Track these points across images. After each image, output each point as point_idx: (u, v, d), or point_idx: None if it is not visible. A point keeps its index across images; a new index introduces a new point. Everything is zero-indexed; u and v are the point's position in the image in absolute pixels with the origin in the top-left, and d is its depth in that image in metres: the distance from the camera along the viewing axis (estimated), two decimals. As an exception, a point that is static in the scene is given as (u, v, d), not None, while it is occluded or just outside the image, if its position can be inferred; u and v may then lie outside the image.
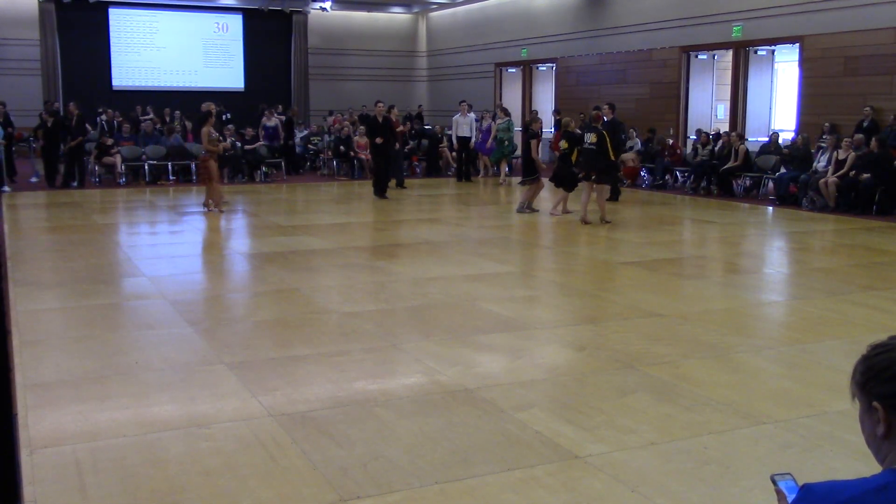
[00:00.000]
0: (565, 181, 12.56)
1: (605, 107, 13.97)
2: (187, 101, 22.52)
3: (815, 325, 6.56)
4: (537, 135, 13.51)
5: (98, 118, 19.21)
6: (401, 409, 4.56)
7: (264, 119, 19.39)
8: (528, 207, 13.06)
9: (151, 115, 20.25)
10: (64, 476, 3.73)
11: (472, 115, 18.64)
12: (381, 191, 14.73)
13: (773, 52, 17.62)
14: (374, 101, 15.31)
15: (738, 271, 9.17)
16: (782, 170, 14.59)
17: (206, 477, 3.72)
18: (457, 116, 18.47)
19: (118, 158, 17.14)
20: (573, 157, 12.37)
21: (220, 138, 14.31)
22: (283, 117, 20.01)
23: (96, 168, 17.40)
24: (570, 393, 4.88)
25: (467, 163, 18.53)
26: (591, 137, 11.87)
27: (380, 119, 14.18)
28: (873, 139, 13.17)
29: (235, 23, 26.22)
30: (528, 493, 3.59)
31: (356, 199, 15.76)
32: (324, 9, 25.92)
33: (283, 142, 19.40)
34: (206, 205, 13.07)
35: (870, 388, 1.43)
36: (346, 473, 3.74)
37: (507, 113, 18.26)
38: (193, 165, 17.40)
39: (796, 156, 14.51)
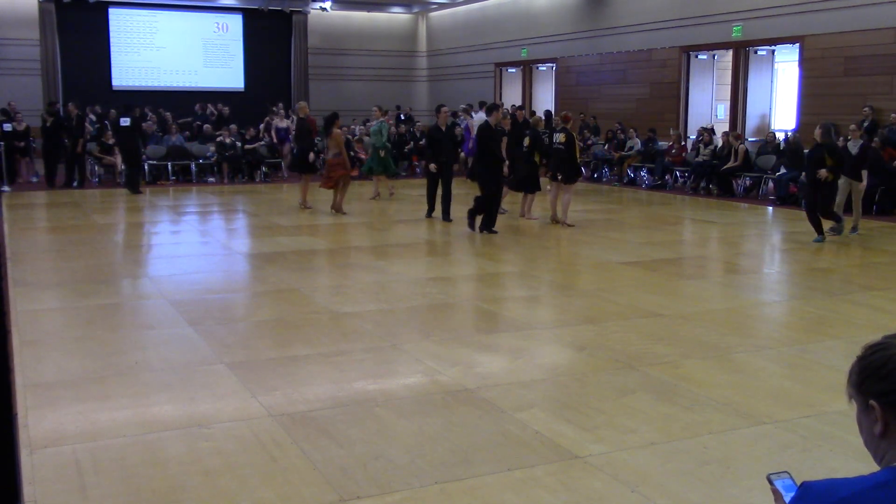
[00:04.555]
0: (530, 184, 12.27)
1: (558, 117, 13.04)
2: (187, 101, 22.53)
3: (815, 325, 6.57)
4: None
5: (104, 120, 19.22)
6: (401, 409, 4.56)
7: (276, 120, 19.16)
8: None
9: (151, 117, 20.17)
10: (64, 476, 3.73)
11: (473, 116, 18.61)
12: (430, 211, 12.48)
13: (773, 52, 17.62)
14: (437, 106, 12.90)
15: (738, 271, 9.17)
16: (782, 170, 14.59)
17: (206, 477, 3.72)
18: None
19: (118, 158, 17.15)
20: (536, 159, 12.13)
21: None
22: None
23: (96, 168, 17.41)
24: (570, 393, 4.88)
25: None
26: (559, 137, 11.75)
27: (443, 127, 12.06)
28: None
29: (235, 23, 26.20)
30: (528, 493, 3.59)
31: (356, 198, 15.76)
32: (324, 9, 25.93)
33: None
34: (335, 208, 12.83)
35: (866, 388, 1.43)
36: (346, 473, 3.75)
37: (383, 113, 16.37)
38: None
39: (790, 155, 14.49)
